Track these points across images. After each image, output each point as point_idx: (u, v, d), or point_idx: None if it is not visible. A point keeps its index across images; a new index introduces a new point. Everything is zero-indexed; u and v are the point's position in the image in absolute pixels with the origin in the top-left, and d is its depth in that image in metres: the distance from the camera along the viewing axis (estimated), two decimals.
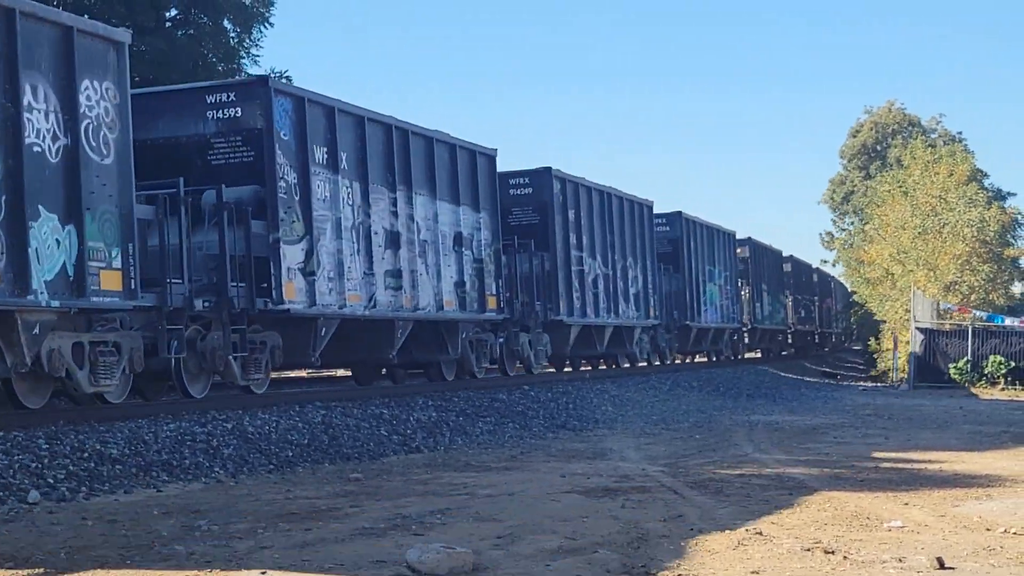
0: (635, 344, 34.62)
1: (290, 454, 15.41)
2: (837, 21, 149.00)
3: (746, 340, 49.95)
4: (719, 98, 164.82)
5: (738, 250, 47.23)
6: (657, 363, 37.57)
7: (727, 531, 10.04)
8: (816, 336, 67.71)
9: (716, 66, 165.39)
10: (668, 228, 38.84)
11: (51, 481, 12.02)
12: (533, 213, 28.59)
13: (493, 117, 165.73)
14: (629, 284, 33.36)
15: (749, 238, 49.68)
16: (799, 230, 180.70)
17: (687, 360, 45.26)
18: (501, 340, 26.35)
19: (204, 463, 14.05)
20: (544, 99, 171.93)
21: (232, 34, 35.84)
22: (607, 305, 31.51)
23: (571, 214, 29.49)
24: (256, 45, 36.52)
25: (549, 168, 28.63)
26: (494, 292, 25.14)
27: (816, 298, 65.75)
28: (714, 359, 45.70)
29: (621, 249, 32.80)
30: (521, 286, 27.26)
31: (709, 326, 42.20)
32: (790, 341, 60.19)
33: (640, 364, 35.64)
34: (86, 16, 15.82)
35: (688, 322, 39.29)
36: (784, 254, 57.86)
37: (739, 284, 46.77)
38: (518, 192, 28.66)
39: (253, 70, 35.93)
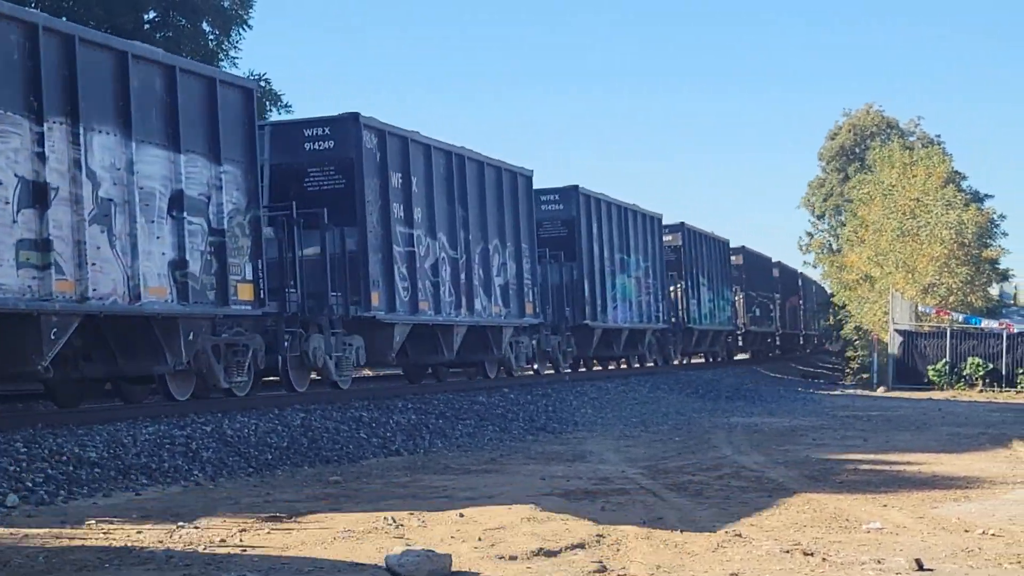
0: (507, 348, 27.27)
1: (269, 457, 15.39)
2: (817, 24, 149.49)
3: (679, 342, 42.28)
4: (697, 101, 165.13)
5: (668, 237, 40.72)
6: (550, 371, 30.90)
7: (706, 533, 10.06)
8: (776, 338, 61.25)
9: (694, 68, 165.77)
10: (561, 206, 31.80)
11: (29, 485, 11.98)
12: (336, 176, 21.62)
13: (481, 118, 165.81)
14: (494, 272, 26.25)
15: (682, 223, 42.39)
16: (778, 233, 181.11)
17: (609, 367, 38.33)
18: (286, 344, 19.72)
19: (183, 466, 14.02)
20: (527, 99, 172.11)
21: (211, 36, 35.75)
22: (455, 298, 24.25)
23: (396, 179, 22.25)
24: (235, 47, 36.43)
25: (356, 115, 21.59)
26: (249, 278, 18.05)
27: (777, 295, 59.10)
28: (637, 365, 38.40)
29: (480, 228, 25.59)
30: (306, 272, 20.10)
31: (620, 326, 34.93)
32: (740, 344, 53.13)
33: (522, 373, 29.21)
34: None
35: (588, 321, 32.05)
36: (733, 244, 50.88)
37: (667, 277, 39.75)
38: (316, 147, 21.70)
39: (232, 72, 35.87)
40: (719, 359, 48.83)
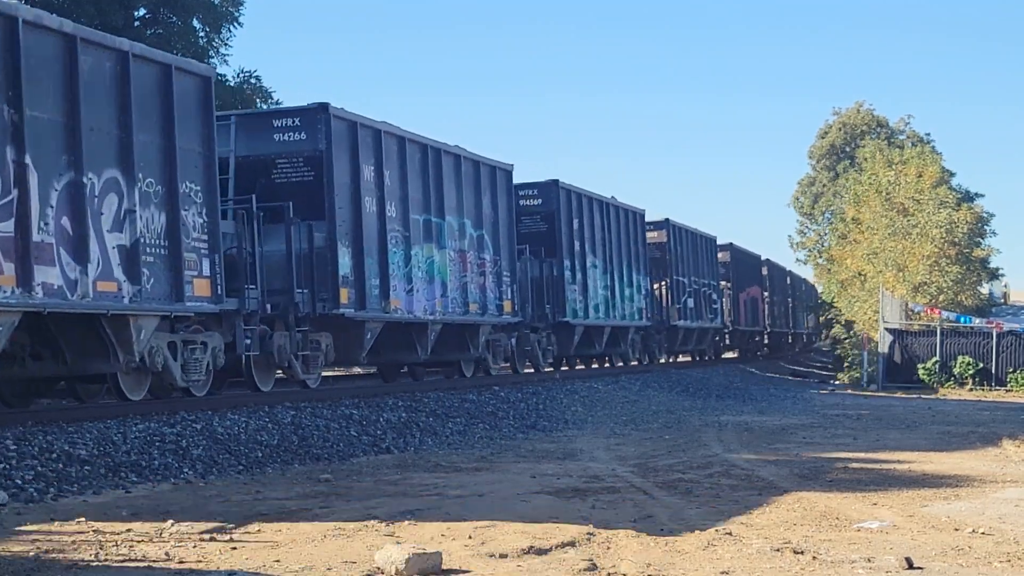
0: (151, 351, 16.31)
1: (260, 455, 15.38)
2: (808, 23, 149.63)
3: (549, 343, 30.83)
4: (687, 100, 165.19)
5: (532, 201, 30.97)
6: (278, 386, 20.57)
7: (697, 531, 10.06)
8: (725, 336, 51.24)
9: (683, 68, 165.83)
10: (303, 136, 20.78)
11: (19, 482, 11.96)
12: None
13: (469, 118, 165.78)
14: (101, 224, 15.30)
15: (555, 182, 31.09)
16: (769, 233, 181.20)
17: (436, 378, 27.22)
18: None
19: (173, 464, 14.00)
20: (521, 99, 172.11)
21: (201, 34, 35.74)
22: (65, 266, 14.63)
23: None
24: (225, 44, 36.44)
25: None
26: None
27: (726, 284, 49.51)
28: (484, 374, 27.33)
29: (55, 146, 14.66)
30: None
31: (422, 319, 23.41)
32: (665, 343, 41.74)
33: (202, 391, 17.85)
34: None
35: (349, 311, 20.88)
36: (655, 218, 40.62)
37: (529, 255, 29.47)
38: None
39: (223, 70, 35.88)
40: (630, 363, 38.10)
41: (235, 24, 36.37)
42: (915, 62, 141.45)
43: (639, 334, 38.58)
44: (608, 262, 34.41)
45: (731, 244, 51.82)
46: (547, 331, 30.56)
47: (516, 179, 28.53)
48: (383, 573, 8.29)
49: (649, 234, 39.35)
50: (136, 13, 34.41)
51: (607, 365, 37.48)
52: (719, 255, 48.96)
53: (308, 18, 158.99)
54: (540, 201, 30.97)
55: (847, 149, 75.90)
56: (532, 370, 30.14)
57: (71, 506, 11.32)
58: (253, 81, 35.23)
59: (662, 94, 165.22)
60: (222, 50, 36.34)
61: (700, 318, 44.40)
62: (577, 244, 32.04)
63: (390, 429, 18.66)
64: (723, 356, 52.38)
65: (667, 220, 41.37)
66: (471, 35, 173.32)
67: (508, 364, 29.27)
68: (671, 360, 44.66)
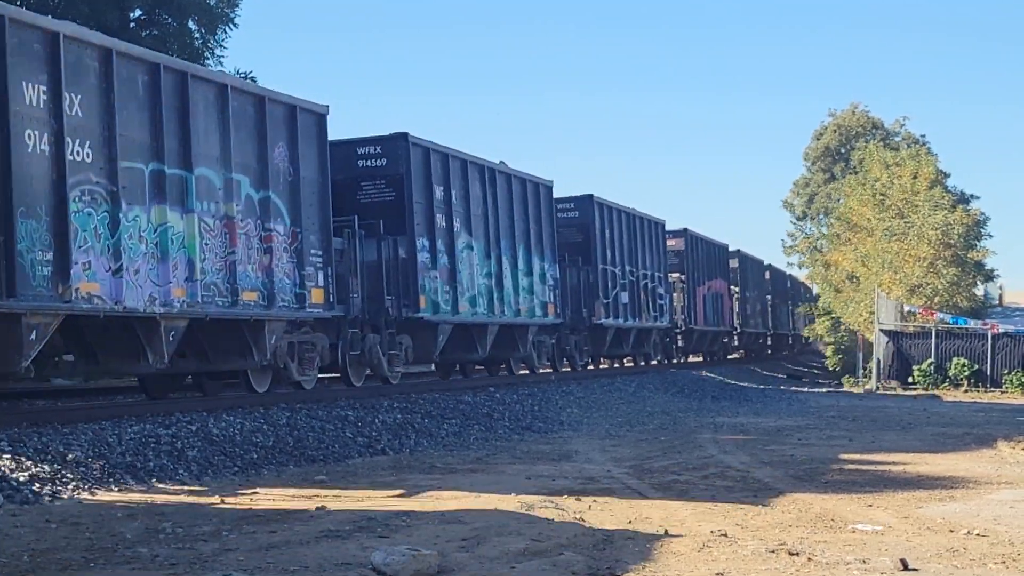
0: None
1: (255, 456, 15.37)
2: (803, 24, 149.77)
3: (395, 346, 23.23)
4: (682, 101, 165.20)
5: (373, 160, 23.84)
6: None
7: (692, 533, 10.06)
8: (677, 338, 44.46)
9: (682, 69, 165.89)
10: None
11: (14, 483, 11.94)
12: None
13: (468, 118, 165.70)
14: None
15: (404, 135, 23.72)
16: (769, 234, 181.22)
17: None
18: None
19: (168, 465, 13.99)
20: (517, 100, 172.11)
21: (197, 35, 35.72)
22: None
23: None
24: (221, 46, 36.40)
25: None
26: None
27: (680, 277, 43.69)
28: (291, 387, 20.64)
29: None
30: None
31: (173, 314, 16.65)
32: (585, 345, 34.35)
33: None
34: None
35: (22, 301, 13.96)
36: (575, 194, 34.50)
37: (371, 231, 22.49)
38: None
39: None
40: (536, 370, 30.87)
41: (231, 25, 36.37)
42: (911, 63, 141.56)
43: (548, 334, 31.44)
44: (493, 244, 27.08)
45: (686, 230, 45.10)
46: (391, 331, 23.18)
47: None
48: (378, 575, 8.28)
49: (567, 214, 33.54)
50: (131, 14, 34.39)
51: (505, 372, 30.09)
52: (670, 243, 42.49)
53: (306, 18, 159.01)
54: (384, 162, 23.81)
55: (842, 151, 75.87)
56: (384, 380, 23.16)
57: (66, 507, 11.31)
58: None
59: (658, 93, 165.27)
60: (217, 51, 36.35)
61: (638, 316, 37.53)
62: (441, 219, 24.76)
63: (385, 430, 18.65)
64: (682, 360, 46.07)
65: (590, 196, 34.50)
66: (471, 35, 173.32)
67: (339, 374, 22.67)
68: (612, 365, 39.70)
